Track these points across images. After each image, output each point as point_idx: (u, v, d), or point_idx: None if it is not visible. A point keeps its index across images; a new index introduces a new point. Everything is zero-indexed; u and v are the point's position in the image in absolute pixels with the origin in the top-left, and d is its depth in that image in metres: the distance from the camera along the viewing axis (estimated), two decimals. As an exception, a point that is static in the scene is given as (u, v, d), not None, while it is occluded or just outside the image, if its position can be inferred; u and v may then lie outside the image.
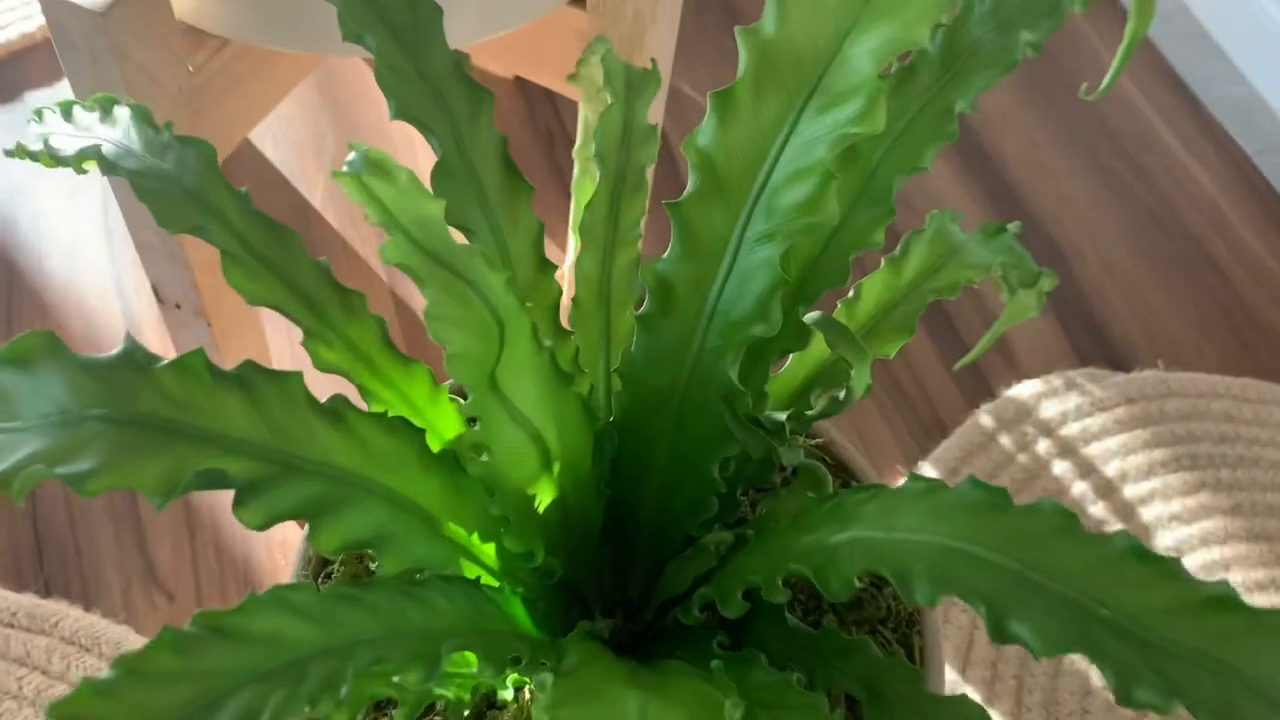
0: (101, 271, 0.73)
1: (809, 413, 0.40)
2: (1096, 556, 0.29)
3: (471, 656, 0.37)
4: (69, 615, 0.60)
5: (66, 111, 0.40)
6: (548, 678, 0.31)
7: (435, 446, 0.37)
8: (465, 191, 0.37)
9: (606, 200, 0.43)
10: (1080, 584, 0.29)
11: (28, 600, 0.60)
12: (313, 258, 0.38)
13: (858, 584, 0.32)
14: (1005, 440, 0.71)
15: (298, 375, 0.33)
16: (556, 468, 0.40)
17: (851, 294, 0.43)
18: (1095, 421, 0.72)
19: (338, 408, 0.34)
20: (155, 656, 0.27)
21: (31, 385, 0.31)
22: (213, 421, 0.31)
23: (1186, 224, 0.82)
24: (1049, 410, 0.72)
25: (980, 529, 0.31)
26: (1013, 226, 0.47)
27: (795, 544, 0.36)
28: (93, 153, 0.37)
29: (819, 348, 0.43)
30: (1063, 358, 0.76)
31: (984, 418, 0.71)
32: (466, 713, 0.37)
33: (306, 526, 0.32)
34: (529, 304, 0.35)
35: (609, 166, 0.43)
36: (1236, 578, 0.65)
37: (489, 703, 0.39)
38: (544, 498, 0.40)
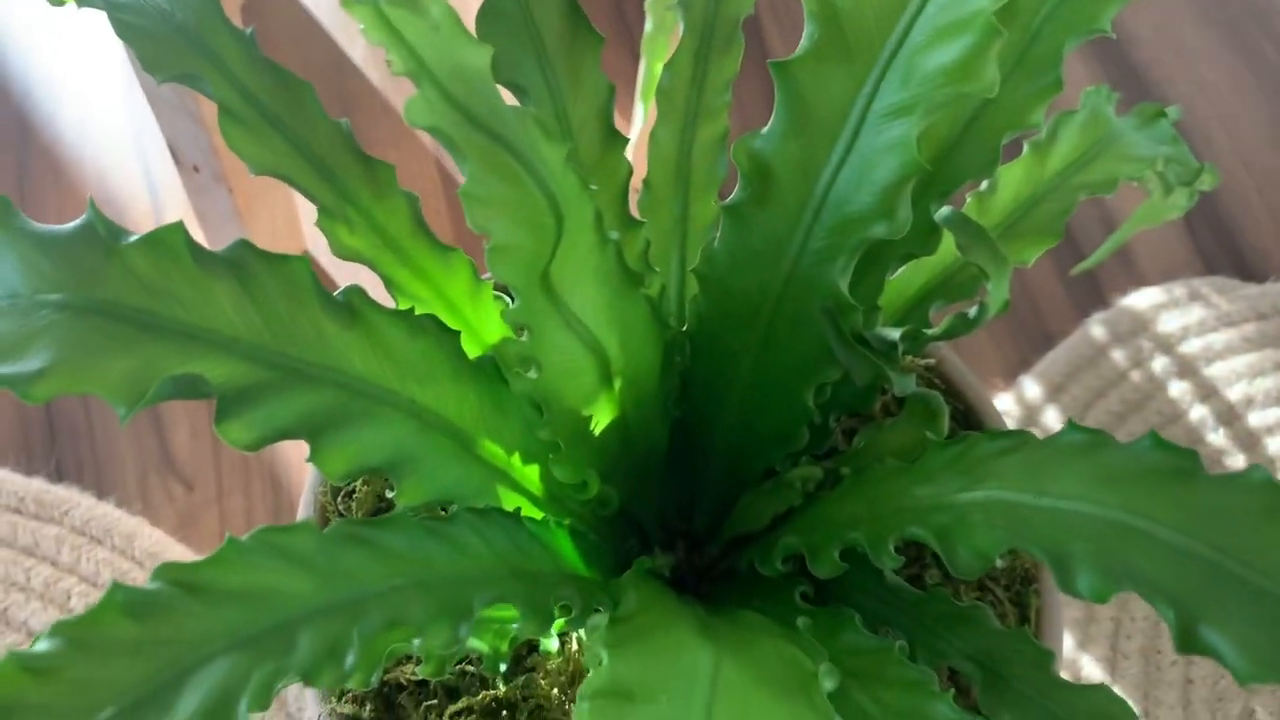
0: (120, 129, 0.67)
1: (928, 331, 0.33)
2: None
3: (510, 607, 0.32)
4: (80, 504, 0.55)
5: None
6: (603, 621, 0.25)
7: (473, 352, 0.31)
8: (518, 39, 0.30)
9: (690, 59, 0.35)
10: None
11: (37, 485, 0.56)
12: (331, 118, 0.31)
13: (996, 559, 0.25)
14: (1118, 355, 0.63)
15: (303, 260, 0.27)
16: (618, 384, 0.33)
17: (985, 186, 0.36)
18: (1220, 338, 0.64)
19: (352, 302, 0.28)
20: (105, 621, 0.21)
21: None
22: (194, 314, 0.25)
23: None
24: (1168, 323, 0.64)
25: (1163, 502, 0.24)
26: (1171, 111, 0.39)
27: (908, 495, 0.29)
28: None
29: (943, 252, 0.35)
30: (1187, 265, 0.67)
31: (1095, 329, 0.63)
32: (504, 666, 0.31)
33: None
34: (592, 186, 0.28)
35: (694, 16, 0.35)
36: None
37: (530, 648, 0.34)
38: (601, 418, 0.33)
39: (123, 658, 0.21)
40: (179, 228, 0.25)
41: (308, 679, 0.23)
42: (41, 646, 0.20)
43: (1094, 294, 0.65)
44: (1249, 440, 0.62)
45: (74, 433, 0.57)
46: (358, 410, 0.27)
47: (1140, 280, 0.66)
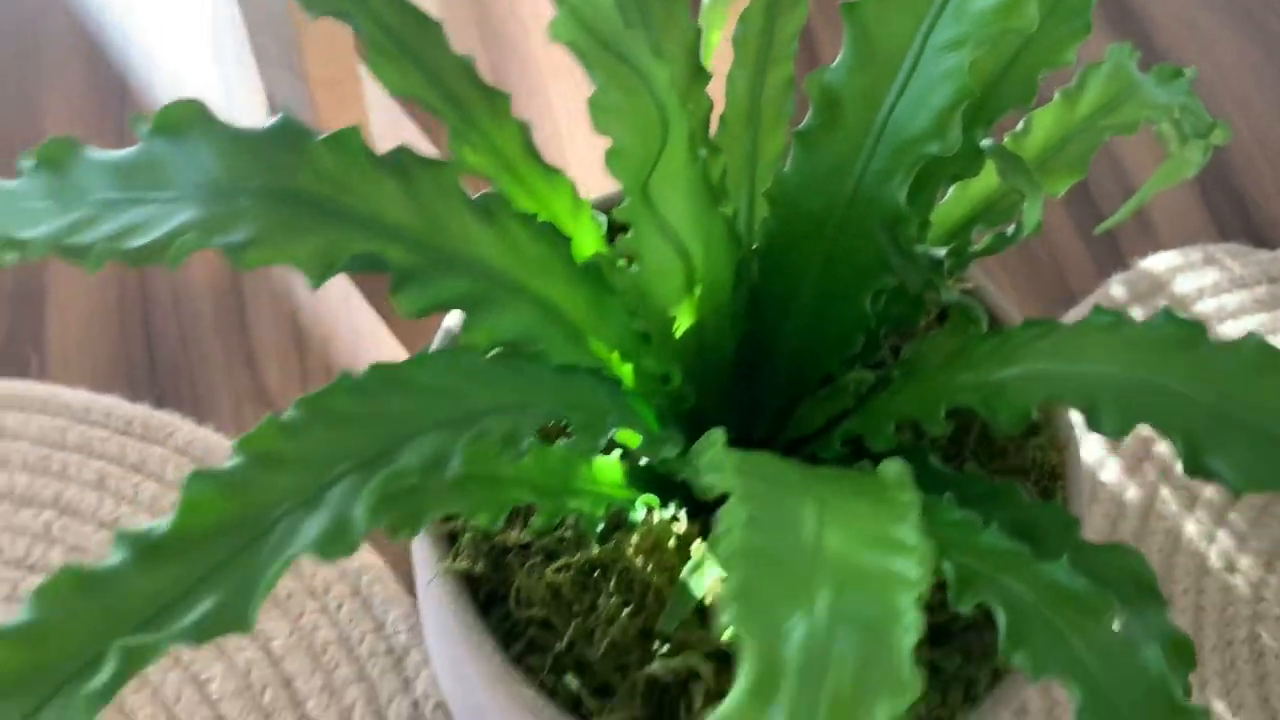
0: (211, 85, 0.72)
1: (972, 248, 0.38)
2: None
3: (607, 471, 0.37)
4: (182, 427, 0.60)
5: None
6: (716, 434, 0.28)
7: (578, 260, 0.36)
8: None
9: (762, 12, 0.40)
10: (1285, 422, 0.27)
11: (143, 411, 0.61)
12: (456, 53, 0.36)
13: (1034, 413, 0.30)
14: (1137, 312, 0.67)
15: (452, 166, 0.32)
16: (698, 291, 0.38)
17: (1021, 127, 0.40)
18: (1233, 299, 0.68)
19: (490, 205, 0.33)
20: (334, 399, 0.26)
21: (182, 156, 0.30)
22: (369, 205, 0.30)
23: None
24: (1184, 285, 0.69)
25: (1174, 363, 0.28)
26: (1189, 72, 0.43)
27: (954, 380, 0.34)
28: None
29: (983, 182, 0.40)
30: (1202, 232, 0.72)
31: (1116, 288, 0.68)
32: (600, 527, 0.36)
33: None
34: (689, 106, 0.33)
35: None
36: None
37: (618, 523, 0.39)
38: (683, 322, 0.39)
39: (352, 426, 0.25)
40: (356, 131, 0.30)
41: (495, 452, 0.27)
42: (288, 415, 0.25)
43: (1114, 256, 0.70)
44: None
45: (173, 368, 0.63)
46: (496, 296, 0.32)
47: (1158, 244, 0.71)
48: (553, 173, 0.37)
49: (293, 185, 0.29)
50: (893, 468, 0.28)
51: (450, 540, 0.38)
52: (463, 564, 0.37)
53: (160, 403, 0.62)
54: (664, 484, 0.40)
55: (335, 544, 0.23)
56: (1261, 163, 0.75)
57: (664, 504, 0.39)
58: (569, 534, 0.38)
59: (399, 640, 0.55)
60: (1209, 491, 0.63)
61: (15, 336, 0.63)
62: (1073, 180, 0.40)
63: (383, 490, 0.23)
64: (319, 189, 0.30)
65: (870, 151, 0.35)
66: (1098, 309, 0.31)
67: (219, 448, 0.60)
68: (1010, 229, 0.38)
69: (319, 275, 0.29)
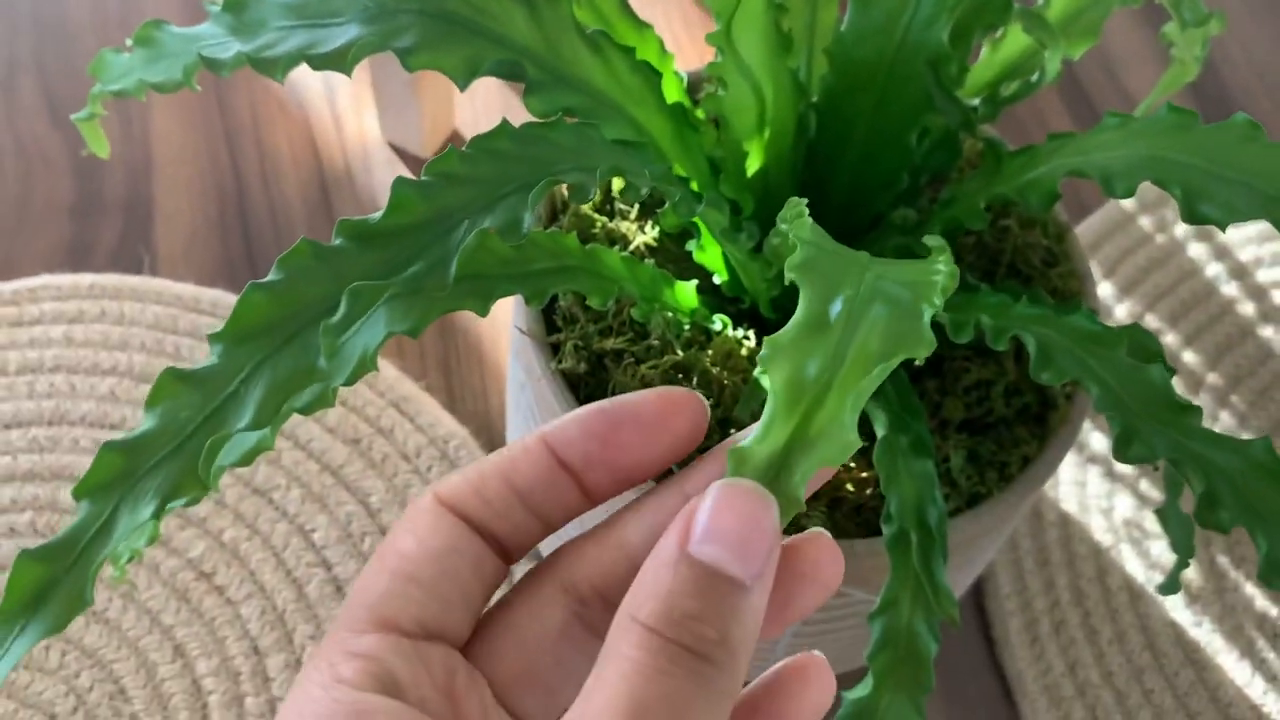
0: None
1: (1003, 94, 0.44)
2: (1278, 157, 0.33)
3: (686, 295, 0.43)
4: (283, 317, 0.66)
5: None
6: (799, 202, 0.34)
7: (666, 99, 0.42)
8: None
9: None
10: (1263, 178, 0.33)
11: (247, 302, 0.67)
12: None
13: (1058, 190, 0.36)
14: (1145, 221, 0.74)
15: (569, 1, 0.38)
16: (767, 133, 0.44)
17: (1041, 2, 0.47)
18: (1235, 212, 0.74)
19: (597, 38, 0.39)
20: (498, 140, 0.32)
21: (352, -14, 0.36)
22: (503, 27, 0.36)
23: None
24: (1190, 198, 0.75)
25: (1174, 140, 0.35)
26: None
27: (987, 188, 0.40)
28: None
29: (1010, 46, 0.46)
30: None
31: (1125, 200, 0.74)
32: (686, 331, 0.42)
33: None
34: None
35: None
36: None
37: (695, 341, 0.45)
38: (753, 161, 0.45)
39: (512, 160, 0.31)
40: (495, -35, 0.36)
41: (628, 188, 0.33)
42: (464, 149, 0.31)
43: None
44: (1257, 292, 0.72)
45: (269, 262, 0.69)
46: (600, 113, 0.38)
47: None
48: (643, 26, 0.43)
49: (443, 8, 0.36)
50: (934, 239, 0.34)
51: (554, 349, 0.44)
52: (568, 364, 0.43)
53: (260, 296, 0.68)
54: (733, 311, 0.46)
55: (510, 233, 0.29)
56: (1247, 72, 0.81)
57: (737, 323, 0.45)
58: (656, 343, 0.44)
59: (482, 496, 0.61)
60: (1211, 377, 0.69)
61: (128, 239, 0.69)
62: (1088, 44, 0.46)
63: (544, 193, 0.29)
64: (464, 11, 0.36)
65: (916, 3, 0.41)
66: (1110, 113, 0.37)
67: (315, 334, 0.66)
68: (1035, 76, 0.44)
69: (465, 79, 0.35)
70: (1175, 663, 0.60)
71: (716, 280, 0.46)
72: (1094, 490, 0.64)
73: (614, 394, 0.43)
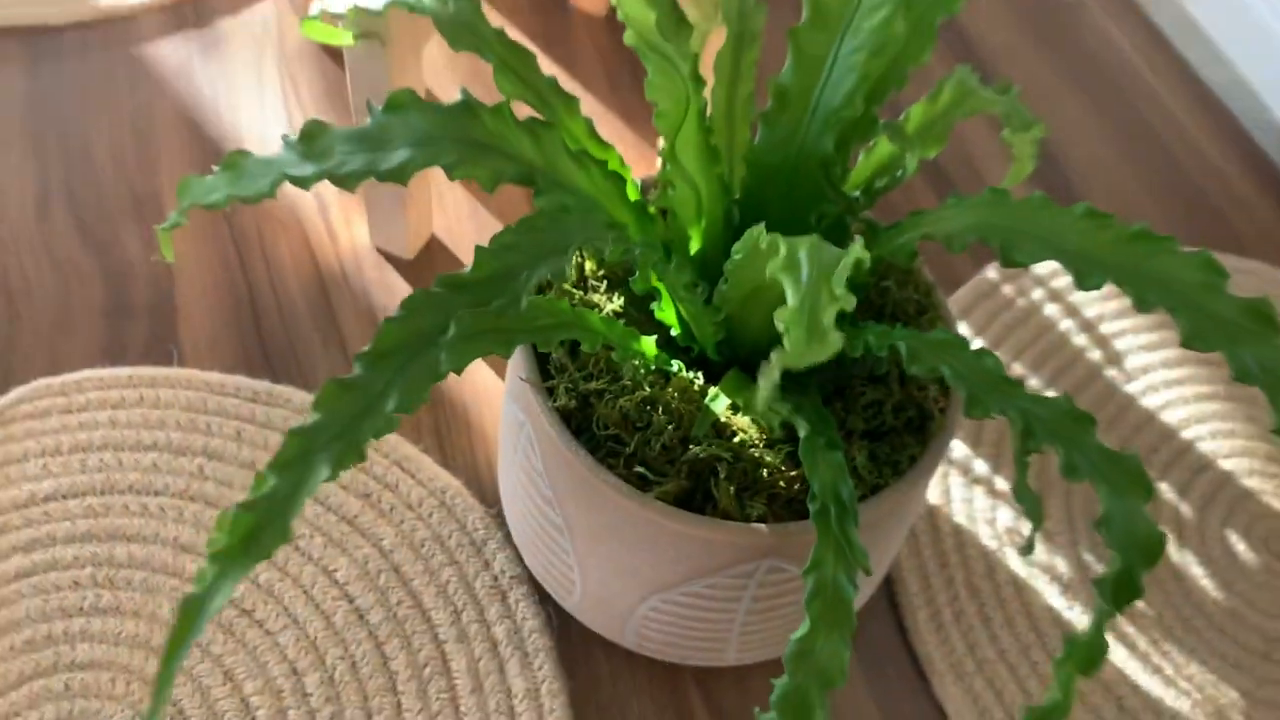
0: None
1: (877, 187, 0.59)
2: (1066, 219, 0.48)
3: (649, 345, 0.56)
4: (295, 395, 0.78)
5: (359, -13, 0.59)
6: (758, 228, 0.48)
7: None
8: (663, 11, 0.56)
9: (730, 52, 0.62)
10: (1052, 233, 0.47)
11: (264, 384, 0.79)
12: (546, 75, 0.57)
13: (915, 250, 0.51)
14: (1007, 289, 0.89)
15: (557, 130, 0.52)
16: (704, 221, 0.58)
17: (902, 117, 0.62)
18: (1079, 279, 0.91)
19: (580, 155, 0.53)
20: (536, 219, 0.45)
21: (402, 122, 0.49)
22: (516, 149, 0.50)
23: (1164, 143, 1.01)
24: (1043, 268, 0.91)
25: (993, 212, 0.49)
26: (1015, 88, 0.66)
27: (870, 255, 0.55)
28: (400, 1, 0.56)
29: (881, 150, 0.62)
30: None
31: (990, 272, 0.90)
32: (651, 378, 0.56)
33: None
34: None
35: (731, 30, 0.62)
36: (1189, 391, 0.83)
37: (658, 380, 0.58)
38: (694, 243, 0.59)
39: (547, 231, 0.45)
40: (507, 104, 0.50)
41: (621, 250, 0.47)
42: (512, 227, 0.44)
43: (988, 251, 0.92)
44: (1102, 341, 0.88)
45: (281, 354, 0.81)
46: (586, 207, 0.52)
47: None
48: (608, 146, 0.57)
49: (472, 136, 0.49)
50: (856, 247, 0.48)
51: (550, 392, 0.57)
52: (561, 402, 0.56)
53: (275, 380, 0.80)
54: (685, 358, 0.59)
55: (557, 277, 0.42)
56: (1078, 157, 0.99)
57: (690, 368, 0.58)
58: (628, 383, 0.57)
59: (478, 535, 0.73)
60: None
61: (157, 337, 0.81)
62: (938, 148, 0.62)
63: (573, 254, 0.43)
64: (488, 138, 0.50)
65: (809, 121, 0.56)
66: (951, 195, 0.52)
67: (325, 408, 0.77)
68: (899, 173, 0.59)
69: (491, 185, 0.49)
70: (1054, 640, 0.73)
71: (673, 333, 0.59)
72: (979, 505, 0.78)
73: (598, 424, 0.56)
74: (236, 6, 1.00)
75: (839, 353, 0.46)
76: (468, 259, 0.75)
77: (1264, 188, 1.02)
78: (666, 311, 0.58)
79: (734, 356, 0.59)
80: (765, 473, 0.55)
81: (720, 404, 0.57)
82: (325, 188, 0.91)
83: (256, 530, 0.36)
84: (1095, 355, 0.87)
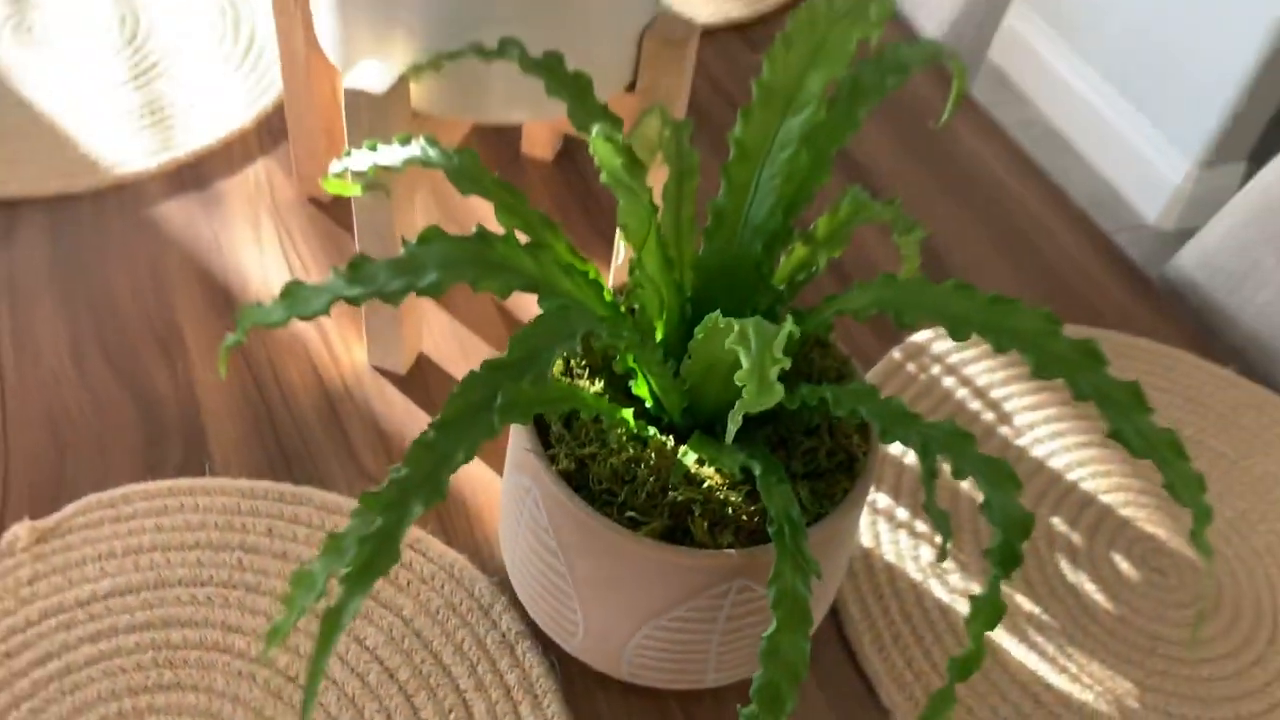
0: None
1: (798, 281, 0.75)
2: (940, 291, 0.64)
3: (628, 415, 0.71)
4: (315, 495, 0.90)
5: (372, 147, 0.75)
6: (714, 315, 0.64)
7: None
8: (627, 156, 0.72)
9: (675, 182, 0.78)
10: (936, 303, 0.63)
11: (288, 487, 0.91)
12: (536, 209, 0.72)
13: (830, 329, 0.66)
14: (911, 367, 1.06)
15: (550, 250, 0.67)
16: (665, 315, 0.73)
17: (812, 228, 0.79)
18: (970, 353, 1.07)
19: (568, 269, 0.68)
20: (535, 326, 0.60)
21: (428, 251, 0.64)
22: (520, 266, 0.65)
23: (1029, 239, 1.20)
24: (939, 348, 1.08)
25: (887, 291, 0.65)
26: (899, 200, 0.83)
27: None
28: (416, 159, 0.71)
29: (799, 253, 0.78)
30: (946, 319, 1.12)
31: (895, 353, 1.07)
32: (633, 443, 0.70)
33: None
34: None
35: (673, 166, 0.79)
36: (1070, 440, 1.00)
37: (641, 444, 0.72)
38: (659, 332, 0.74)
39: (541, 332, 0.59)
40: (513, 234, 0.65)
41: (601, 345, 0.61)
42: (518, 335, 0.59)
43: (894, 335, 1.09)
44: (995, 405, 1.04)
45: (299, 460, 0.93)
46: (578, 306, 0.67)
47: (919, 327, 1.10)
48: (587, 260, 0.73)
49: (485, 257, 0.64)
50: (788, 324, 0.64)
51: (551, 459, 0.71)
52: (562, 465, 0.70)
53: (296, 483, 0.92)
54: (658, 425, 0.73)
55: (569, 352, 0.56)
56: (959, 254, 1.17)
57: (662, 432, 0.73)
58: (615, 446, 0.71)
59: (484, 599, 0.85)
60: (973, 463, 1.00)
61: (190, 453, 0.93)
62: (840, 249, 0.78)
63: (581, 340, 0.57)
64: (498, 259, 0.64)
65: (742, 233, 0.72)
66: (857, 282, 0.68)
67: (346, 506, 0.90)
68: (814, 269, 0.75)
69: (504, 294, 0.63)
70: (976, 652, 0.87)
71: (647, 405, 0.73)
72: (904, 545, 0.93)
73: (593, 481, 0.70)
74: (230, 169, 1.15)
75: (781, 408, 0.61)
76: (452, 372, 0.90)
77: (1114, 272, 1.21)
78: (641, 387, 0.72)
79: (695, 422, 0.74)
80: (730, 509, 0.69)
81: (690, 458, 0.71)
82: (323, 319, 1.04)
83: (373, 556, 0.49)
84: (989, 416, 1.04)
